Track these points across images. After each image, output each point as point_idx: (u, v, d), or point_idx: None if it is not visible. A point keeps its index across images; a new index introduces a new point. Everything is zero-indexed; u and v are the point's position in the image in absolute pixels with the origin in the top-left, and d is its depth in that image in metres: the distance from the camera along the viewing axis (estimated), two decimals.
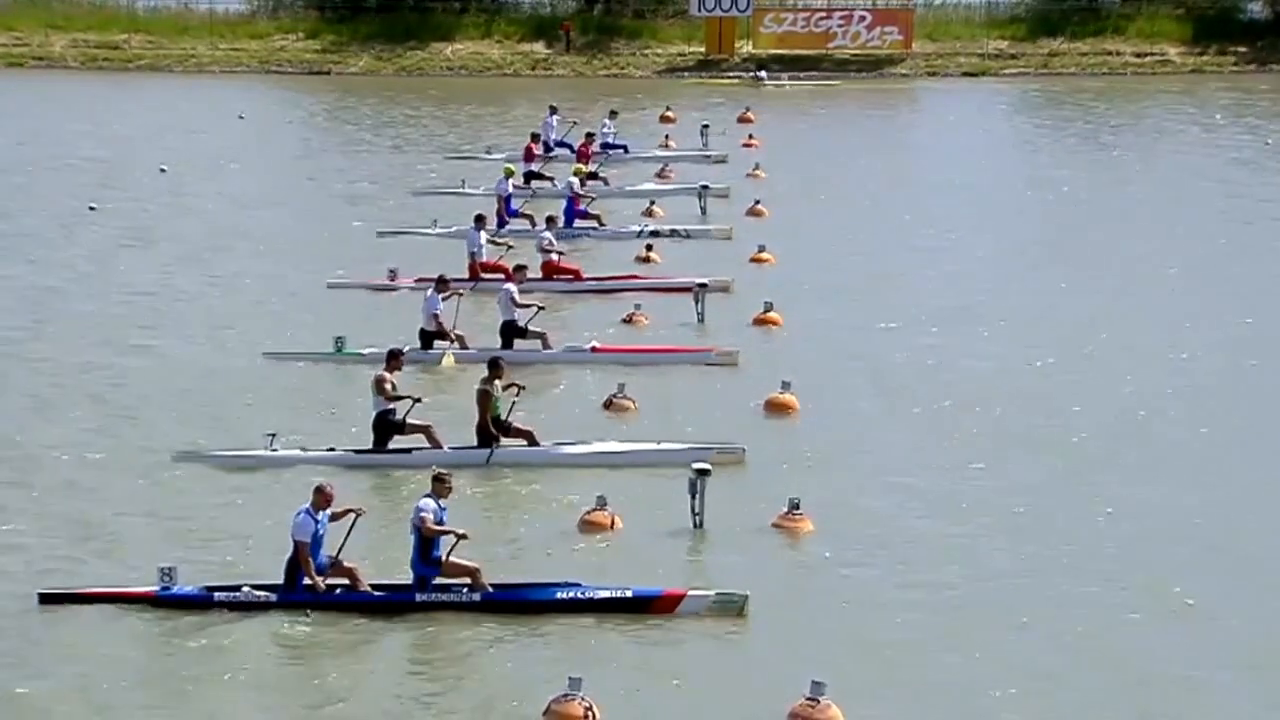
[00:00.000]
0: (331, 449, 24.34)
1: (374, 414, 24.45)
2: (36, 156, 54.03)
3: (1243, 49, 79.74)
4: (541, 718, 16.45)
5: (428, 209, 43.22)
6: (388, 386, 24.43)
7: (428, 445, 24.24)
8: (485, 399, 24.35)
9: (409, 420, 24.42)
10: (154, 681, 17.53)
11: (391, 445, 24.38)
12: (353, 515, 19.52)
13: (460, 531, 19.32)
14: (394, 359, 24.95)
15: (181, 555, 20.12)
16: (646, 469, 23.56)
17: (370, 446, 24.34)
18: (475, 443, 24.28)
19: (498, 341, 29.58)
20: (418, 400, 24.65)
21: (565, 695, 16.44)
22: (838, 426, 25.89)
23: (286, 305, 34.04)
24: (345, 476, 22.51)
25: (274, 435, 24.19)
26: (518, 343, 29.85)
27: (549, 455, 24.26)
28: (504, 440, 24.23)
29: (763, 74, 76.56)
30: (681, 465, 22.23)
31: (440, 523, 19.25)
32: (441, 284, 30.27)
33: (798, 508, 21.48)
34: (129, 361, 29.72)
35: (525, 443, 24.39)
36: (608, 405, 26.74)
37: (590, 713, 16.34)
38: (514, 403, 24.64)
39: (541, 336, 29.95)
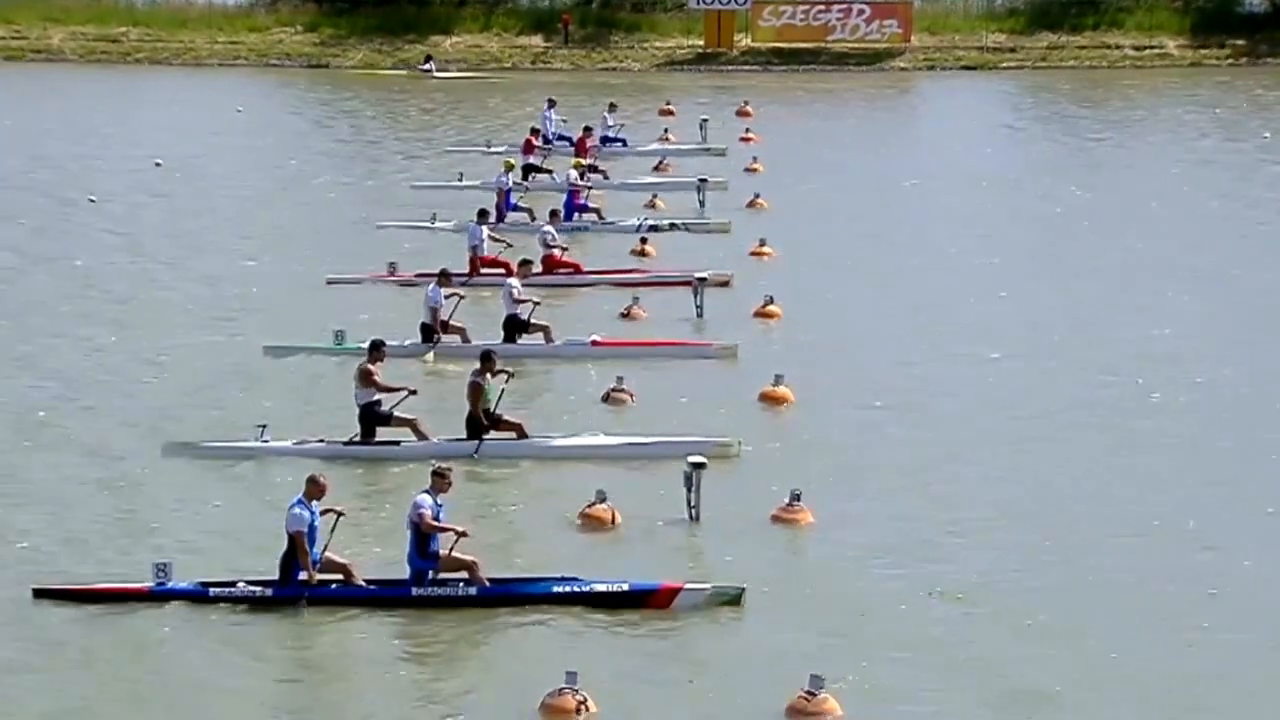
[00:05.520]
0: (320, 440, 24.33)
1: (359, 406, 24.44)
2: (35, 150, 53.93)
3: (1241, 42, 79.70)
4: (536, 711, 16.47)
5: (427, 203, 43.17)
6: (377, 378, 24.43)
7: (415, 438, 24.28)
8: (477, 391, 24.33)
9: (396, 413, 24.44)
10: (150, 678, 17.47)
11: (380, 437, 24.38)
12: (334, 515, 19.41)
13: (460, 529, 19.30)
14: (376, 350, 24.94)
15: (174, 549, 20.08)
16: (642, 462, 23.53)
17: (358, 438, 24.35)
18: (464, 435, 24.28)
19: (500, 336, 29.58)
20: (413, 392, 24.69)
21: (560, 689, 16.45)
22: (839, 419, 25.85)
23: (286, 299, 33.99)
24: (334, 468, 22.46)
25: (264, 426, 24.20)
26: (521, 337, 29.86)
27: (539, 448, 24.23)
28: (493, 433, 24.21)
29: (430, 66, 76.66)
30: (674, 458, 22.21)
31: (437, 519, 19.23)
32: (444, 278, 30.26)
33: (799, 499, 21.46)
34: (128, 355, 29.66)
35: (514, 435, 24.38)
36: (606, 398, 26.78)
37: (584, 706, 16.35)
38: (503, 390, 24.56)
39: (544, 330, 29.94)
